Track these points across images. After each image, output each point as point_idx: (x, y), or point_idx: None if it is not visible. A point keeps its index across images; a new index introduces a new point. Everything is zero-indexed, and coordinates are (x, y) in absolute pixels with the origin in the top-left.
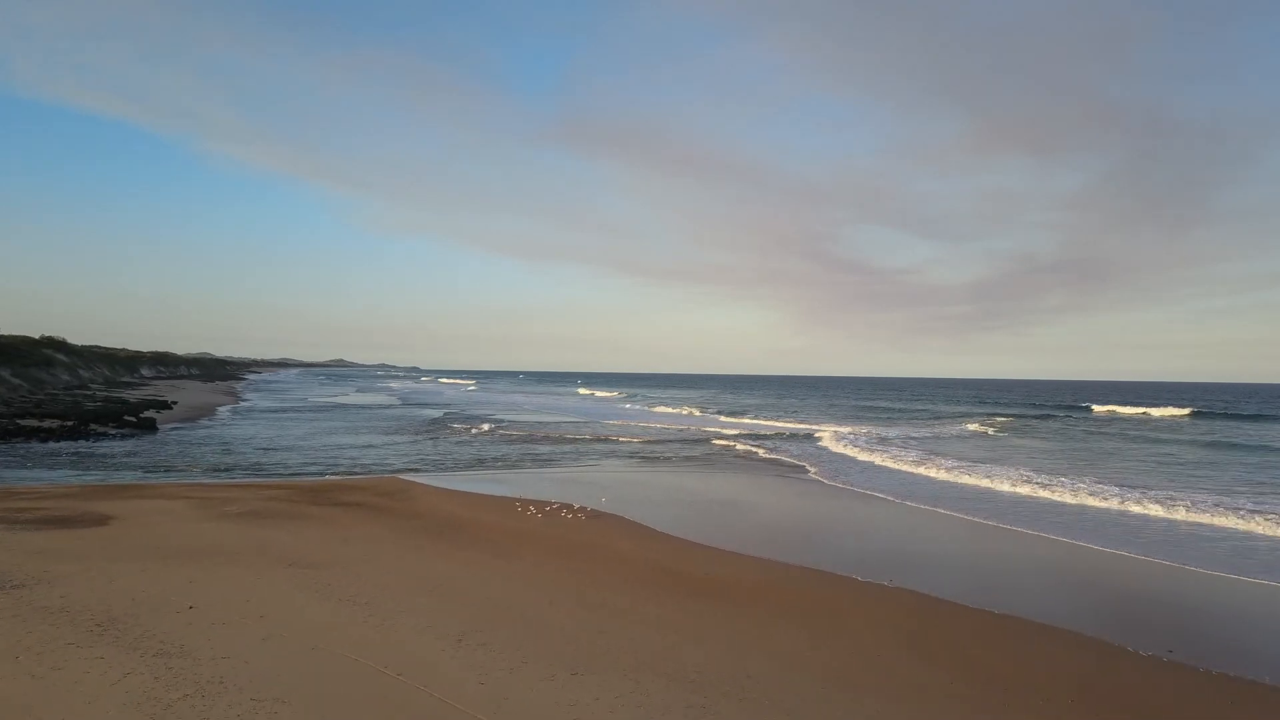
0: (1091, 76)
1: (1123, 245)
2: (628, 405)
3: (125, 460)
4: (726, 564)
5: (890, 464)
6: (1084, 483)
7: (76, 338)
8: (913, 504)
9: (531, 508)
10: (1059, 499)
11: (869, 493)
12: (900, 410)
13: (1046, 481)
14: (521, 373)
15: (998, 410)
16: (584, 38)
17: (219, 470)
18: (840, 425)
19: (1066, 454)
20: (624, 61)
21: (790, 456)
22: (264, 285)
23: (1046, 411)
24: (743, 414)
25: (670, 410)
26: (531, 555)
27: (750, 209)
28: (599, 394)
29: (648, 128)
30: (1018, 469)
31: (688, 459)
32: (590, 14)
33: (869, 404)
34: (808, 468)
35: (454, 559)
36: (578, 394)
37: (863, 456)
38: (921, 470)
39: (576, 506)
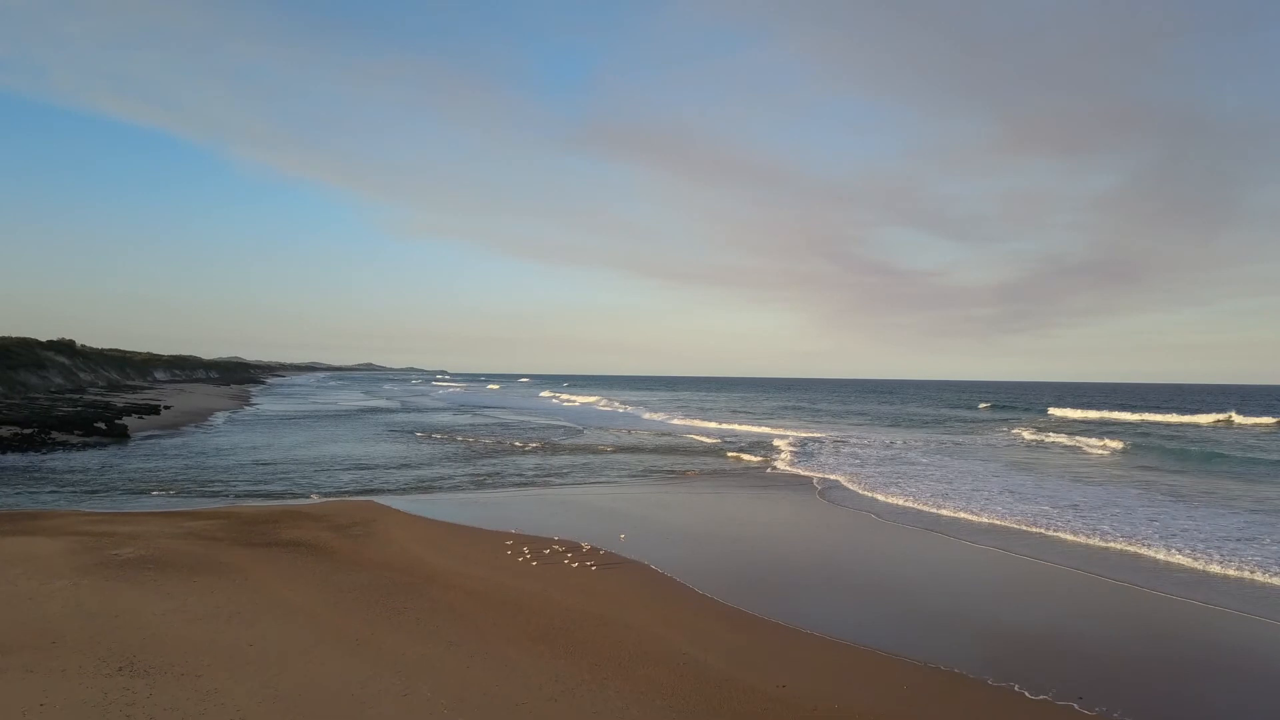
0: (1122, 76)
1: (1153, 246)
2: (622, 409)
3: (66, 475)
4: (810, 660)
5: (910, 503)
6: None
7: (110, 341)
8: (1023, 555)
9: (526, 548)
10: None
11: (972, 541)
12: (912, 415)
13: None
14: (525, 376)
15: (1019, 414)
16: (607, 41)
17: (166, 490)
18: (866, 432)
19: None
20: (648, 65)
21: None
22: (296, 290)
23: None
24: (768, 419)
25: (658, 416)
26: (509, 642)
27: (775, 211)
28: (570, 399)
29: (672, 130)
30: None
31: (707, 474)
32: (613, 18)
33: (892, 409)
34: (849, 490)
35: (387, 652)
36: (569, 398)
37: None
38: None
39: (585, 547)
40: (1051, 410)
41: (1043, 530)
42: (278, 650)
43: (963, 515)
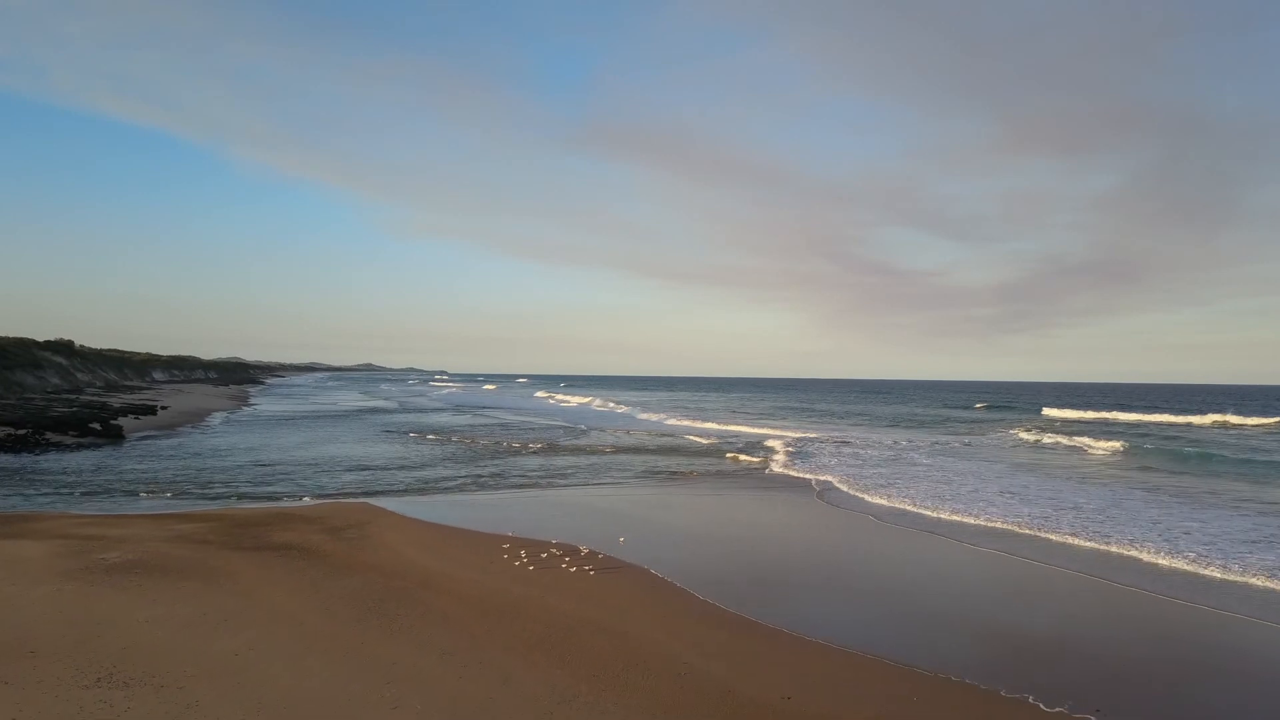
0: (1121, 76)
1: (1153, 246)
2: (621, 410)
3: (58, 477)
4: (815, 670)
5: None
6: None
7: (111, 342)
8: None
9: (523, 552)
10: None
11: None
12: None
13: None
14: (524, 376)
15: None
16: (607, 42)
17: (159, 492)
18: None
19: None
20: (648, 65)
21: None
22: (296, 291)
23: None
24: (767, 419)
25: (657, 417)
26: (504, 650)
27: (775, 211)
28: (571, 399)
29: (672, 130)
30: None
31: (707, 476)
32: (613, 18)
33: (899, 410)
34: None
35: (377, 662)
36: (567, 399)
37: (870, 498)
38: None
39: (584, 550)
40: (1051, 411)
41: (1047, 534)
42: (264, 660)
43: (965, 519)
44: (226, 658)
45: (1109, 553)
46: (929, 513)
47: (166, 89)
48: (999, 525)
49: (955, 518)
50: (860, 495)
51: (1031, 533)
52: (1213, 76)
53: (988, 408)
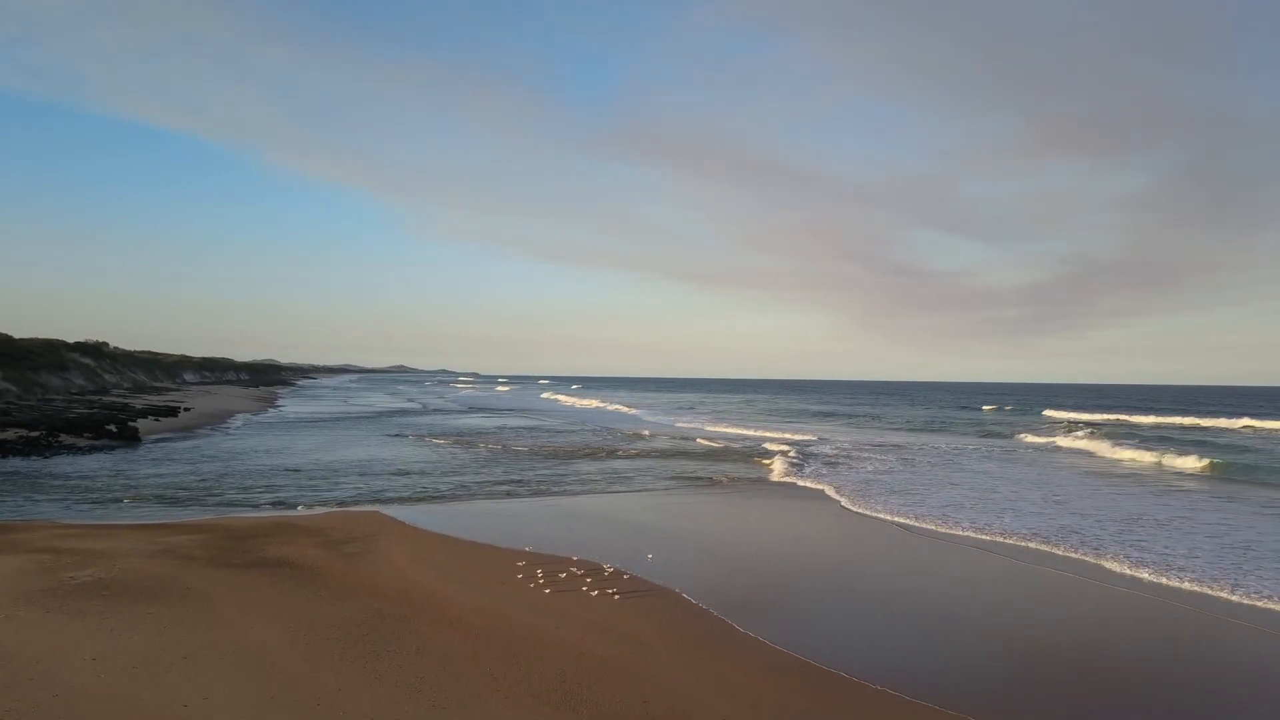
0: (1153, 75)
1: (1188, 246)
2: (644, 413)
3: (62, 481)
4: None
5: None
6: None
7: (149, 344)
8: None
9: (539, 571)
10: None
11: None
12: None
13: None
14: (545, 378)
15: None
16: (630, 44)
17: (162, 499)
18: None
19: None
20: (671, 66)
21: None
22: (326, 293)
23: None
24: (800, 423)
25: (683, 420)
26: (506, 700)
27: (800, 213)
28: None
29: (696, 133)
30: None
31: (738, 483)
32: (637, 20)
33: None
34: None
35: (353, 716)
36: (587, 401)
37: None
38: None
39: (608, 570)
40: (1087, 415)
41: (1139, 571)
42: (218, 713)
43: (1039, 544)
44: (172, 709)
45: (1188, 589)
46: (990, 536)
47: (195, 94)
48: (1078, 555)
49: (1023, 543)
50: (909, 508)
51: (1127, 572)
52: (1247, 75)
53: (1020, 410)
